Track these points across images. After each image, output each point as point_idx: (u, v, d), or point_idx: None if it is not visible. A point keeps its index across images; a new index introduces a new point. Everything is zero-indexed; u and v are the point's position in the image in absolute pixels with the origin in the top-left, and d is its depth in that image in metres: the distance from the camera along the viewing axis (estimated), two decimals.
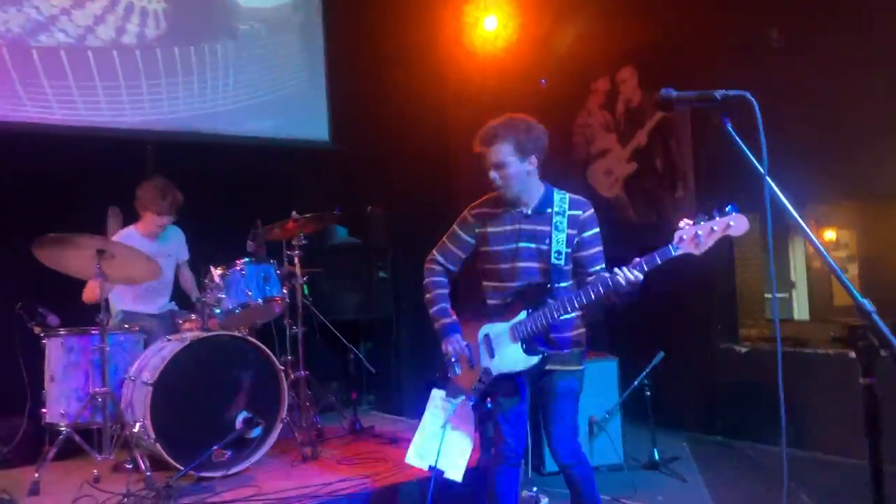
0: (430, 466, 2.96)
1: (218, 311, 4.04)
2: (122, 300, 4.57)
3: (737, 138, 1.73)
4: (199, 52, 5.35)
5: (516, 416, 2.97)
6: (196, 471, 3.60)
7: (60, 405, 3.88)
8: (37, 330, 3.91)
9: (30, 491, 3.52)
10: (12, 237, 3.94)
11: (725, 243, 2.70)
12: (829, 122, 4.52)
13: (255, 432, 3.80)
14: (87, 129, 4.92)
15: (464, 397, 2.92)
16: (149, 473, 3.50)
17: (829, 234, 6.71)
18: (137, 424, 3.61)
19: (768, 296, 5.79)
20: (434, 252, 3.10)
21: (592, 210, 2.93)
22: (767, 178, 1.65)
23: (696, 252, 2.49)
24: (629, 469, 4.34)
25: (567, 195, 2.92)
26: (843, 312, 6.23)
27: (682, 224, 2.51)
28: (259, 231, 4.25)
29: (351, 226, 5.79)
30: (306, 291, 4.56)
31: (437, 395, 3.00)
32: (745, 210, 2.49)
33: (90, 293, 4.36)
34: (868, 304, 1.50)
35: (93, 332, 3.91)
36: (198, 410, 3.72)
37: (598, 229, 2.90)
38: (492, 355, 2.88)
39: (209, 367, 3.79)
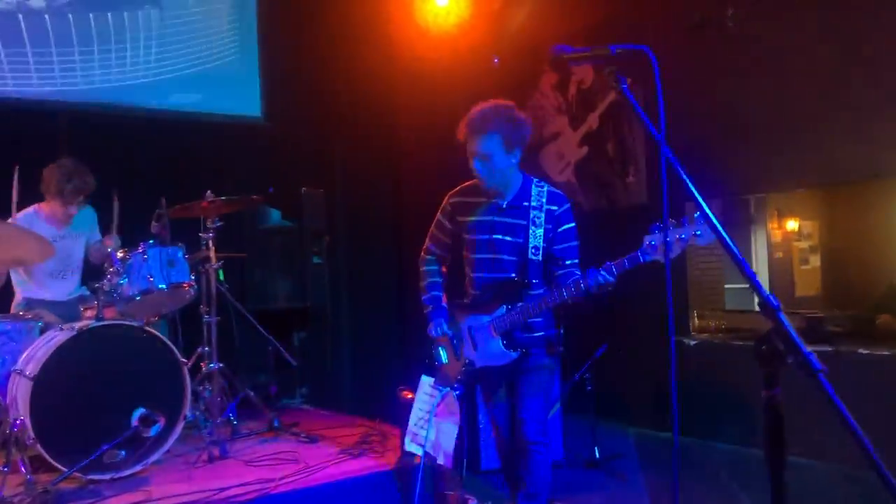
0: (423, 453, 2.97)
1: (117, 297, 3.70)
2: (24, 287, 4.22)
3: (633, 100, 1.46)
4: (117, 19, 4.97)
5: (501, 407, 3.01)
6: (84, 473, 3.27)
7: None
8: None
9: None
10: None
11: None
12: (789, 105, 4.29)
13: (154, 430, 3.47)
14: None
15: (450, 387, 2.95)
16: (29, 477, 3.18)
17: (792, 224, 6.54)
18: (17, 422, 3.27)
19: (729, 286, 5.64)
20: (426, 241, 3.16)
21: (569, 205, 2.91)
22: (665, 144, 1.36)
23: (664, 259, 2.44)
24: (569, 467, 4.17)
25: (546, 188, 2.91)
26: (807, 303, 6.10)
27: (650, 230, 2.49)
28: (163, 211, 3.90)
29: (285, 208, 5.46)
30: (221, 277, 4.22)
31: (425, 381, 3.03)
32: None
33: None
34: (774, 300, 1.21)
35: None
36: (87, 407, 3.37)
37: (573, 224, 2.88)
38: (475, 347, 2.93)
39: (100, 360, 3.44)
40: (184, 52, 5.24)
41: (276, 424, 4.22)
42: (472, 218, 2.95)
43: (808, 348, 1.18)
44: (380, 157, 5.73)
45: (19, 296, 4.21)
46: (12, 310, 4.11)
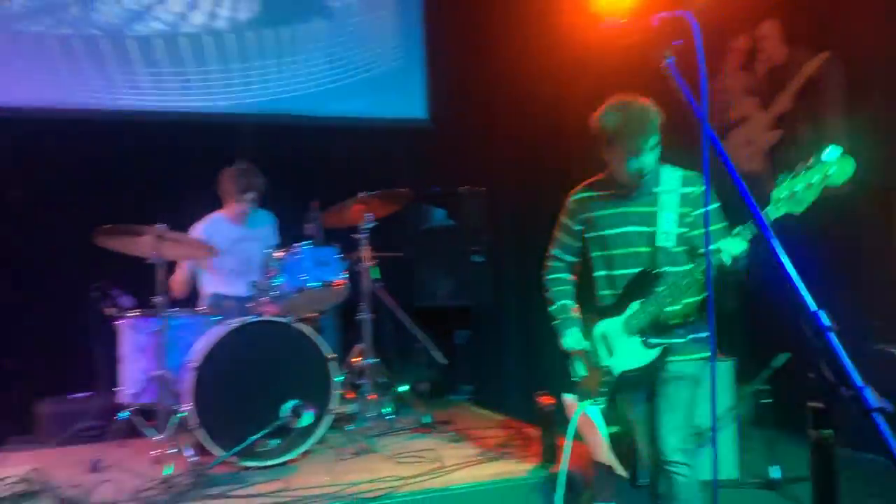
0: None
1: (276, 295, 3.94)
2: (211, 284, 4.62)
3: (679, 79, 1.26)
4: (290, 34, 5.30)
5: (646, 416, 2.79)
6: (240, 459, 3.51)
7: (128, 385, 3.98)
8: (109, 312, 4.02)
9: (91, 468, 3.61)
10: (105, 223, 4.04)
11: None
12: None
13: (304, 421, 3.63)
14: (180, 115, 5.02)
15: (591, 400, 2.76)
16: (192, 459, 3.47)
17: None
18: (184, 408, 3.58)
19: None
20: (549, 248, 3.02)
21: (708, 186, 2.59)
22: (706, 122, 1.14)
23: (797, 210, 2.24)
24: (739, 487, 3.75)
25: (680, 172, 2.72)
26: None
27: (777, 180, 2.28)
28: (316, 213, 4.08)
29: (448, 207, 5.49)
30: (376, 276, 4.33)
31: (566, 400, 2.86)
32: None
33: (176, 287, 4.49)
34: (823, 318, 0.95)
35: (162, 313, 3.94)
36: (242, 397, 3.61)
37: (717, 205, 2.62)
38: (611, 353, 2.75)
39: (255, 353, 3.67)
40: (351, 59, 5.46)
41: (427, 421, 4.24)
42: (601, 212, 2.79)
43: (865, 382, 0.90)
44: (545, 154, 5.55)
45: (207, 292, 4.63)
46: (201, 305, 4.51)
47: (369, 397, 4.13)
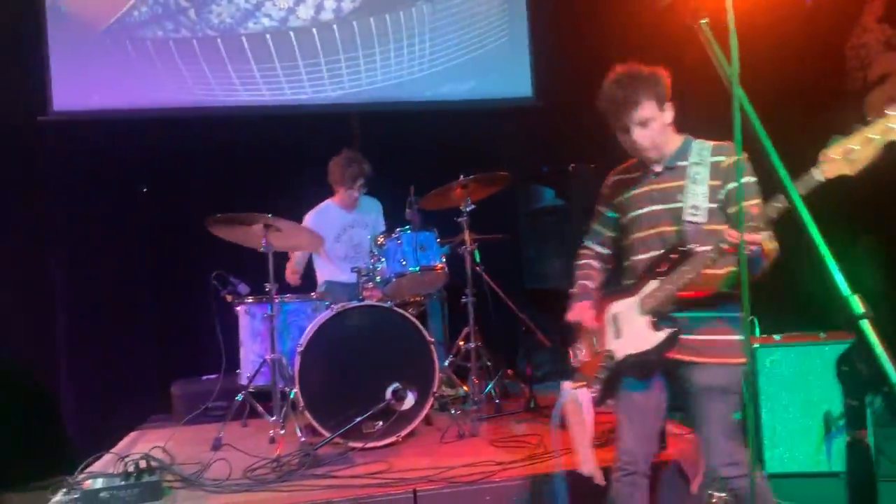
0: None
1: (378, 280, 4.02)
2: (325, 270, 4.79)
3: (713, 41, 1.15)
4: (394, 20, 5.34)
5: (641, 414, 2.55)
6: (345, 440, 3.61)
7: (247, 368, 4.21)
8: (228, 298, 4.25)
9: (212, 446, 3.85)
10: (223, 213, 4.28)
11: None
12: None
13: (406, 404, 3.69)
14: (291, 107, 5.21)
15: (584, 386, 2.56)
16: (302, 439, 3.62)
17: None
18: (293, 391, 3.73)
19: None
20: (584, 239, 2.84)
21: (744, 156, 2.31)
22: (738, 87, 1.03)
23: (850, 171, 1.97)
24: (883, 481, 3.45)
25: (711, 144, 2.47)
26: None
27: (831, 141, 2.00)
28: (413, 199, 4.11)
29: (557, 186, 5.36)
30: (478, 259, 4.30)
31: (565, 386, 2.64)
32: None
33: (289, 274, 4.69)
34: (857, 304, 0.84)
35: (276, 299, 4.13)
36: (346, 380, 3.71)
37: (753, 179, 2.34)
38: (618, 335, 2.51)
39: (357, 337, 3.77)
40: (455, 41, 5.43)
41: (532, 406, 4.19)
42: (629, 193, 2.58)
43: None
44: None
45: (321, 278, 4.80)
46: (315, 291, 4.68)
47: (475, 381, 4.13)
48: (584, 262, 2.77)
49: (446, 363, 4.37)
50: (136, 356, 5.07)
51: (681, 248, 2.39)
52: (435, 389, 3.78)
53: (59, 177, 4.94)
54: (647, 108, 2.41)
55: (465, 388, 4.28)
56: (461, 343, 4.36)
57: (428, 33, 5.39)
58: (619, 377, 2.53)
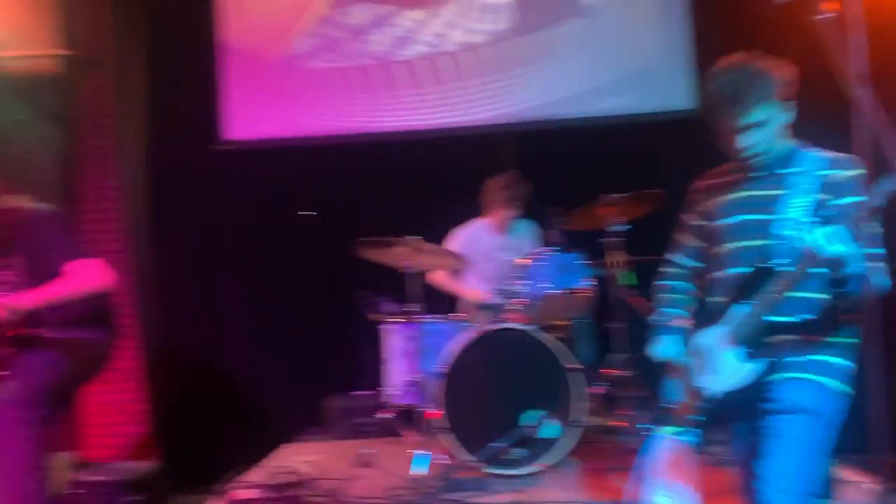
0: None
1: (519, 302, 3.92)
2: (471, 290, 4.77)
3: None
4: (546, 38, 5.26)
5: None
6: (484, 465, 3.54)
7: (390, 386, 4.25)
8: (373, 317, 4.34)
9: (357, 463, 3.91)
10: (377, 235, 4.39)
11: None
12: None
13: (547, 432, 3.55)
14: (443, 131, 5.26)
15: (677, 430, 2.25)
16: (442, 463, 3.58)
17: None
18: (433, 412, 3.71)
19: None
20: (668, 253, 2.55)
21: (862, 171, 2.10)
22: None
23: None
24: None
25: (827, 155, 2.19)
26: None
27: None
28: (556, 219, 3.98)
29: None
30: (628, 281, 4.08)
31: (656, 432, 2.36)
32: None
33: (436, 279, 4.70)
34: None
35: (419, 319, 4.16)
36: (485, 403, 3.65)
37: (868, 198, 1.97)
38: (708, 370, 2.20)
39: (497, 360, 3.69)
40: (609, 56, 5.25)
41: None
42: (721, 199, 2.29)
43: None
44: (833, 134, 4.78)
45: (464, 299, 4.78)
46: (459, 311, 4.66)
47: (624, 411, 3.90)
48: (668, 282, 2.48)
49: (593, 391, 4.16)
50: (294, 370, 5.29)
51: (768, 265, 2.10)
52: (579, 419, 3.61)
53: (230, 200, 5.30)
54: (760, 110, 2.12)
55: (614, 419, 4.06)
56: (610, 371, 4.14)
57: (580, 49, 5.24)
58: (720, 419, 2.22)
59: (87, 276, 2.97)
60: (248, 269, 5.31)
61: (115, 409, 5.34)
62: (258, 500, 3.12)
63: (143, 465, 4.78)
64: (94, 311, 3.08)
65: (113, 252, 5.14)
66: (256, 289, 5.26)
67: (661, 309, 2.44)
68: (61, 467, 4.41)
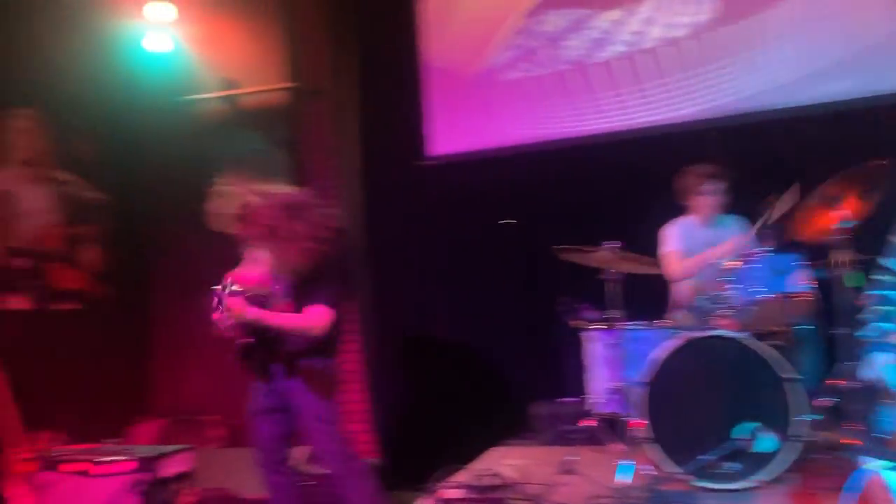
0: None
1: (729, 307, 3.70)
2: (678, 293, 4.60)
3: None
4: (756, 23, 4.92)
5: None
6: (695, 479, 3.39)
7: (593, 394, 4.21)
8: (574, 324, 4.32)
9: (561, 470, 3.92)
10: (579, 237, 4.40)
11: None
12: None
13: (762, 446, 3.33)
14: (644, 130, 5.12)
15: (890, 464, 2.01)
16: (648, 472, 3.49)
17: None
18: (637, 421, 3.62)
19: None
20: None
21: None
22: None
23: None
24: None
25: None
26: None
27: None
28: (769, 216, 3.69)
29: None
30: (855, 283, 3.69)
31: (866, 464, 2.10)
32: None
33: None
34: None
35: (622, 326, 4.09)
36: (693, 414, 3.48)
37: None
38: None
39: (705, 369, 3.51)
40: (825, 38, 4.79)
41: None
42: None
43: None
44: None
45: (673, 301, 4.60)
46: (668, 316, 4.51)
47: (852, 426, 3.53)
48: (882, 292, 2.22)
49: (817, 404, 3.82)
50: (502, 376, 5.42)
51: None
52: (799, 433, 3.33)
53: (436, 212, 5.55)
54: None
55: (841, 435, 3.68)
56: (837, 382, 3.77)
57: (797, 31, 4.84)
58: None
59: (315, 322, 3.18)
60: (455, 276, 5.52)
61: (341, 409, 5.82)
62: (464, 500, 3.24)
63: (366, 462, 5.19)
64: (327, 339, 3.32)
65: None
66: (464, 296, 5.46)
67: (874, 323, 2.19)
68: (300, 460, 4.91)
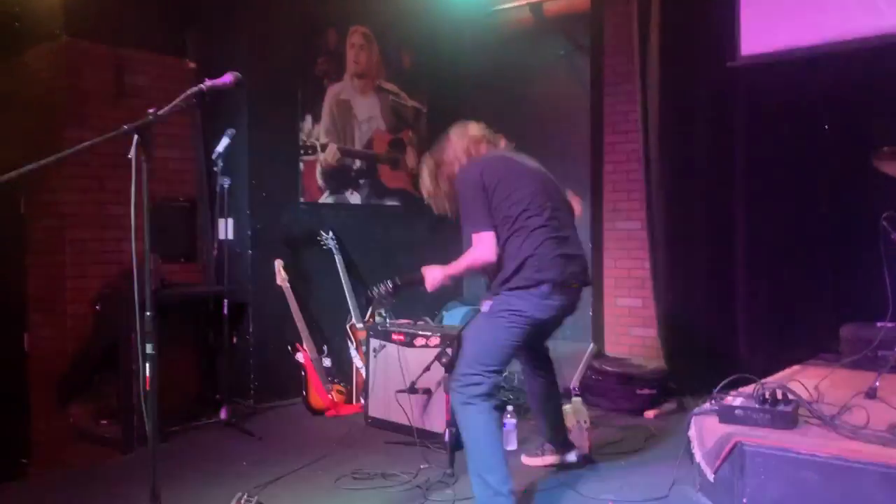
0: None
1: None
2: None
3: None
4: None
5: None
6: None
7: None
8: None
9: (866, 394, 3.65)
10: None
11: None
12: None
13: None
14: None
15: None
16: None
17: None
18: None
19: None
20: None
21: None
22: None
23: None
24: None
25: None
26: None
27: None
28: None
29: None
30: None
31: None
32: None
33: None
34: None
35: None
36: None
37: None
38: None
39: None
40: None
41: None
42: None
43: None
44: None
45: None
46: None
47: None
48: None
49: None
50: (810, 294, 5.08)
51: None
52: None
53: (743, 119, 5.22)
54: None
55: None
56: None
57: None
58: None
59: (479, 251, 3.16)
60: (759, 189, 5.20)
61: (631, 314, 5.97)
62: (747, 409, 3.20)
63: (653, 364, 5.30)
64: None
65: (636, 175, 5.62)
66: (768, 212, 5.14)
67: None
68: (588, 357, 5.19)
